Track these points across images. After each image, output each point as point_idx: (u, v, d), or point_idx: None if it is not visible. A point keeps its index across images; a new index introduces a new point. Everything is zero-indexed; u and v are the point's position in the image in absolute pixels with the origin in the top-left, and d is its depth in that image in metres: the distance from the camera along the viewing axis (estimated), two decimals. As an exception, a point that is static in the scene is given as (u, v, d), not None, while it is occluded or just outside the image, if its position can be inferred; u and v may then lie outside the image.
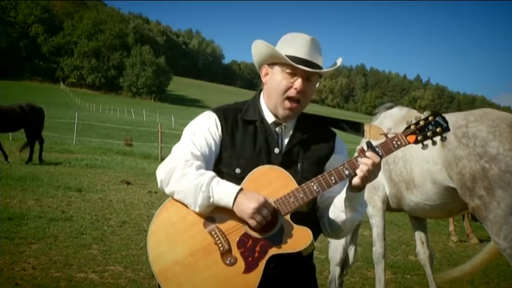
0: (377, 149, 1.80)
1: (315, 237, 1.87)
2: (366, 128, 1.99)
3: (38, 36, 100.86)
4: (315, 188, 1.80)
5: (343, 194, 1.89)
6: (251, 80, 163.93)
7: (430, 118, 1.83)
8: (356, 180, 1.79)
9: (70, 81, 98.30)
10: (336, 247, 4.39)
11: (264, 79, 2.01)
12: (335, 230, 1.97)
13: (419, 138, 1.82)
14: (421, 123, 1.83)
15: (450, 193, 3.30)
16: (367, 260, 5.64)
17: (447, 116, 3.42)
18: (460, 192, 3.13)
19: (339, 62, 2.02)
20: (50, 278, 4.35)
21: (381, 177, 3.82)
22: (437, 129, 1.83)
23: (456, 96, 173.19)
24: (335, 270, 4.37)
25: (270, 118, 1.99)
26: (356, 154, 1.83)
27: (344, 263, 4.37)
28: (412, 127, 1.83)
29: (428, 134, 1.82)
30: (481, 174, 2.98)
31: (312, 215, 1.98)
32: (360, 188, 1.82)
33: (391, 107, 4.18)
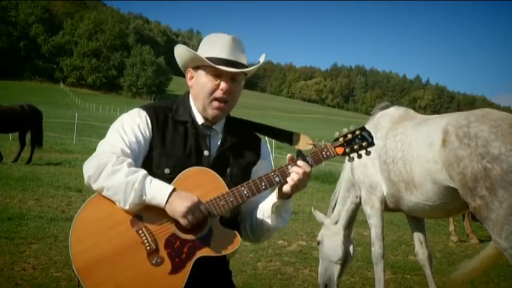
0: (307, 159, 1.83)
1: None
2: (295, 137, 2.01)
3: (38, 36, 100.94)
4: (245, 192, 1.82)
5: (270, 200, 1.92)
6: (251, 79, 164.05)
7: (357, 132, 1.88)
8: (286, 188, 1.83)
9: (70, 81, 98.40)
10: (334, 245, 4.27)
11: (189, 82, 2.01)
12: (257, 234, 2.00)
13: (346, 150, 1.88)
14: (349, 136, 1.88)
15: (450, 193, 3.29)
16: (367, 260, 5.63)
17: (447, 116, 3.46)
18: (462, 192, 3.12)
19: (262, 59, 2.03)
20: (50, 278, 4.34)
21: (379, 177, 3.80)
22: (363, 144, 1.88)
23: (456, 96, 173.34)
24: (334, 269, 4.20)
25: (199, 120, 1.99)
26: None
27: (344, 261, 4.30)
28: (341, 139, 1.88)
29: (355, 147, 1.88)
30: (483, 174, 2.97)
31: (234, 219, 1.98)
32: (289, 195, 1.86)
33: (387, 107, 4.13)
